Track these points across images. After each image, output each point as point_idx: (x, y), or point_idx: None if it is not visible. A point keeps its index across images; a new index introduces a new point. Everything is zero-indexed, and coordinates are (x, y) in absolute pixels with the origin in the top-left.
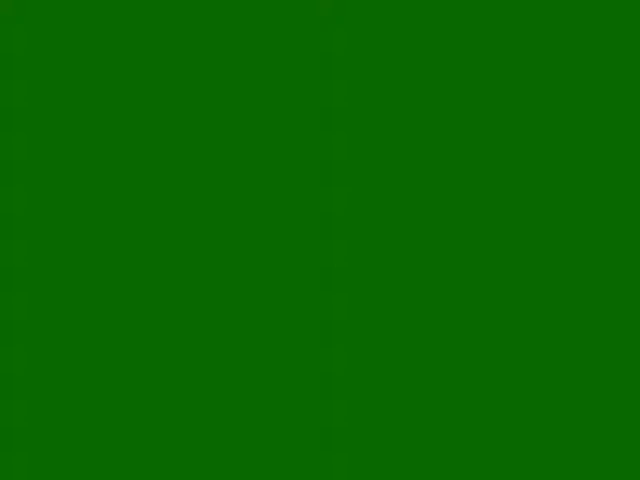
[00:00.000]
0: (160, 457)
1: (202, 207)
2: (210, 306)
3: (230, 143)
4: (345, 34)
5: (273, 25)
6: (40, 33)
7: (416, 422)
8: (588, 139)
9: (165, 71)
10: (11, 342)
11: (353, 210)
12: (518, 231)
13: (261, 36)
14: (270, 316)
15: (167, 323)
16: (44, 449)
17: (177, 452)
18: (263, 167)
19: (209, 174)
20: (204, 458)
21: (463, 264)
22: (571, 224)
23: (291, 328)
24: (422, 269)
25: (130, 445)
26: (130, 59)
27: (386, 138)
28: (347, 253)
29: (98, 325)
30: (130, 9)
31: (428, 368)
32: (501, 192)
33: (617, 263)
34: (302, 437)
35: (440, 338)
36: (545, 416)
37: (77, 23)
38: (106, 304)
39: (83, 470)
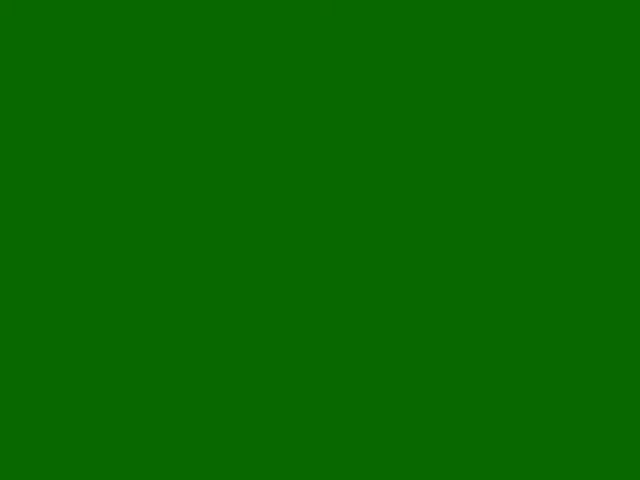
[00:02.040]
0: (160, 457)
1: (202, 207)
2: (210, 306)
3: (230, 143)
4: (345, 34)
5: (273, 25)
6: (39, 33)
7: (415, 422)
8: (588, 139)
9: (164, 71)
10: (10, 342)
11: (353, 210)
12: (517, 232)
13: (261, 36)
14: (270, 316)
15: (166, 324)
16: (42, 449)
17: (177, 452)
18: (263, 167)
19: (209, 174)
20: (204, 458)
21: (462, 265)
22: (571, 224)
23: (291, 328)
24: (421, 269)
25: (128, 445)
26: (133, 60)
27: (386, 138)
28: (346, 253)
29: (97, 325)
30: (131, 9)
31: (427, 368)
32: (500, 192)
33: (617, 263)
34: (302, 437)
35: (439, 339)
36: (544, 416)
37: (76, 23)
38: (105, 304)
39: (83, 470)
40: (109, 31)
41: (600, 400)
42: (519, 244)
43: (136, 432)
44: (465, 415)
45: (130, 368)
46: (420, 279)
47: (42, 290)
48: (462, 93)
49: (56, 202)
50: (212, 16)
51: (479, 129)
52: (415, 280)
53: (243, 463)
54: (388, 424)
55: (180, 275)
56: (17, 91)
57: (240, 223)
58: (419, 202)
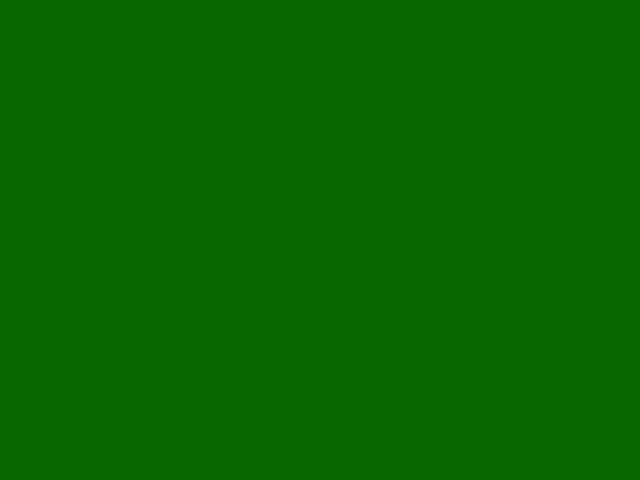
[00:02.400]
0: (160, 457)
1: (202, 207)
2: (210, 306)
3: (230, 143)
4: (345, 34)
5: (274, 24)
6: (39, 33)
7: (415, 422)
8: (588, 139)
9: (164, 71)
10: (10, 342)
11: (353, 210)
12: (517, 232)
13: (261, 36)
14: (270, 316)
15: (165, 323)
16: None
17: (177, 452)
18: (263, 167)
19: (208, 174)
20: (204, 458)
21: (462, 265)
22: (571, 224)
23: (291, 328)
24: (421, 269)
25: (128, 445)
26: (133, 60)
27: (385, 138)
28: (346, 253)
29: (97, 325)
30: (131, 9)
31: (427, 368)
32: (500, 192)
33: (617, 263)
34: (302, 437)
35: (439, 339)
36: (544, 415)
37: (77, 23)
38: (104, 304)
39: (83, 470)
40: (109, 31)
41: (600, 400)
42: (519, 244)
43: (136, 432)
44: (465, 415)
45: (130, 367)
46: (420, 279)
47: (42, 290)
48: (462, 93)
49: (56, 202)
50: (212, 16)
51: (479, 129)
52: (415, 280)
53: (243, 463)
54: (388, 424)
55: (180, 275)
56: (17, 91)
57: (240, 223)
58: (419, 202)
